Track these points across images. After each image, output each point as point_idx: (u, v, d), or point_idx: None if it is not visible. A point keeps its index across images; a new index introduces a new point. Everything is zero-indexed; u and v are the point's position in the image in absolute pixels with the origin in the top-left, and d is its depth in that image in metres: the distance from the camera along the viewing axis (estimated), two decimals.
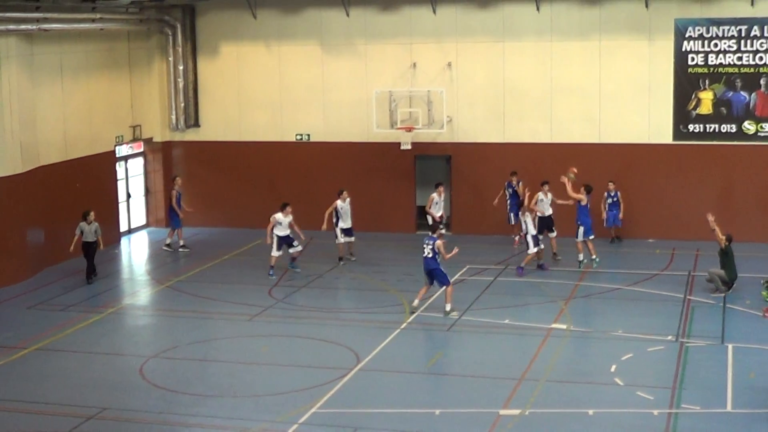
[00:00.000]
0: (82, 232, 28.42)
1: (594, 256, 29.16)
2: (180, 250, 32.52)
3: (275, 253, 29.07)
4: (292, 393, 20.20)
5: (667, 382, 20.32)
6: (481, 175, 33.59)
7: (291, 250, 29.32)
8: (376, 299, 26.88)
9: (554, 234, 30.14)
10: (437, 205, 30.83)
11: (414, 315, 24.98)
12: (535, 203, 29.60)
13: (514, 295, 26.69)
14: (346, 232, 30.60)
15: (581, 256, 29.17)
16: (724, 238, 26.21)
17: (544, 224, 30.01)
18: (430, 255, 24.89)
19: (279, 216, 29.07)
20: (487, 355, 22.55)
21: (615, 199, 31.51)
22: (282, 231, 29.06)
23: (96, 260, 29.00)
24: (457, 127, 33.81)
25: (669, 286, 27.25)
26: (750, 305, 25.48)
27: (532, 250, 28.35)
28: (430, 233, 25.93)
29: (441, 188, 31.16)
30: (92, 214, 28.70)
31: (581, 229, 29.14)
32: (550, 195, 30.01)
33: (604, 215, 31.47)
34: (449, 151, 34.19)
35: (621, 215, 31.65)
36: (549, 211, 30.11)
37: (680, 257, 30.32)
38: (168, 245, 32.72)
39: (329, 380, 20.78)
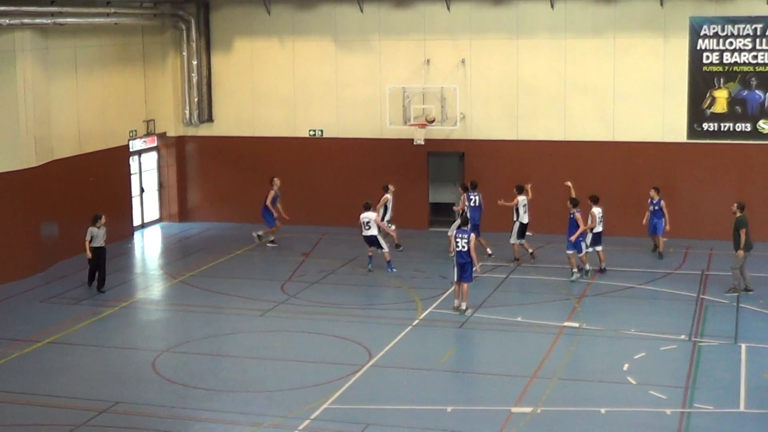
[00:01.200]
0: (92, 237, 27.28)
1: (574, 270, 27.77)
2: (268, 244, 32.27)
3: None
4: (304, 389, 20.21)
5: (680, 382, 20.28)
6: (494, 172, 33.54)
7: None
8: (389, 296, 26.89)
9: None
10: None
11: (466, 313, 24.90)
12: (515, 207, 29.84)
13: (527, 293, 26.66)
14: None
15: (575, 271, 27.84)
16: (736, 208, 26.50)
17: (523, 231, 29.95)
18: (465, 248, 24.69)
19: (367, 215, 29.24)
20: (499, 353, 22.55)
21: (657, 207, 29.93)
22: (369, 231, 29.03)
23: (119, 260, 29.07)
24: (470, 123, 33.79)
25: (682, 285, 27.21)
26: (763, 305, 25.44)
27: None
28: (462, 227, 25.60)
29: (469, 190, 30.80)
30: (103, 217, 27.69)
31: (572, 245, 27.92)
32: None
33: (645, 222, 30.27)
34: (462, 147, 34.17)
35: (666, 226, 30.00)
36: (526, 219, 29.86)
37: (694, 256, 30.26)
38: (259, 236, 32.51)
39: (341, 376, 20.79)
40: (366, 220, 28.87)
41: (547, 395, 19.75)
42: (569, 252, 27.91)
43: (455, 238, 25.12)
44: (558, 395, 19.81)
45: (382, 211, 30.56)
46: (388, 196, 30.90)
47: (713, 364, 21.34)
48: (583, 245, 28.03)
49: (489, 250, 30.03)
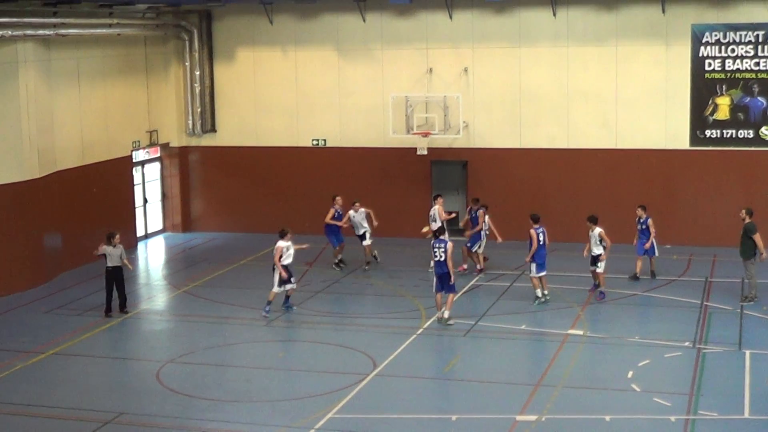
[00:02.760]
0: (106, 256, 26.13)
1: (545, 292, 26.49)
2: (334, 266, 30.67)
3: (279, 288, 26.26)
4: (308, 398, 20.20)
5: (684, 389, 20.26)
6: (497, 181, 33.56)
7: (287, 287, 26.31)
8: (393, 304, 26.87)
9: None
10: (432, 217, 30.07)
11: (449, 323, 24.84)
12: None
13: (531, 301, 26.63)
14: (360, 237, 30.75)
15: (538, 292, 26.43)
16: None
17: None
18: (442, 258, 24.56)
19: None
20: (503, 361, 22.54)
21: (644, 226, 28.43)
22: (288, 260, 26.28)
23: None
24: (473, 132, 33.80)
25: (686, 292, 27.20)
26: (767, 311, 25.43)
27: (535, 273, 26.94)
28: (439, 236, 25.09)
29: (441, 199, 30.42)
30: (118, 236, 26.39)
31: (533, 266, 26.35)
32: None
33: (635, 242, 28.67)
34: (465, 156, 34.18)
35: (647, 245, 28.32)
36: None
37: (697, 263, 30.24)
38: (338, 263, 30.75)
39: (346, 385, 20.78)
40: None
41: (551, 403, 19.74)
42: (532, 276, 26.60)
43: (432, 247, 24.92)
44: (563, 403, 19.80)
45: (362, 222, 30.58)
46: (351, 212, 30.59)
47: (717, 371, 21.32)
48: (532, 268, 26.44)
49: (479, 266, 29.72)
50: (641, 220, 28.45)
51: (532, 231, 26.27)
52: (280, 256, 25.54)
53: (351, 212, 30.59)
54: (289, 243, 25.79)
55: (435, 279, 24.94)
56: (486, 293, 27.15)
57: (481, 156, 33.94)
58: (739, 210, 26.88)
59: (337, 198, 31.01)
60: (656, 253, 28.65)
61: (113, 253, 26.03)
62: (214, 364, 22.57)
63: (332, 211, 30.79)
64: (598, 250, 26.56)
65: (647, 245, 28.28)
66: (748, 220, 26.23)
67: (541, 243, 26.26)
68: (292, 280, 25.91)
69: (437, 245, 24.72)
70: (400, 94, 33.40)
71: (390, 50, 34.33)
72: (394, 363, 22.22)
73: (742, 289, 26.83)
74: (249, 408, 19.86)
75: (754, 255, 26.11)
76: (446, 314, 24.71)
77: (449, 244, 24.64)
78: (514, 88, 33.45)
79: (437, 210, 29.76)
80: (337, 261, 30.74)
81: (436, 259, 24.72)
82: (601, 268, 26.54)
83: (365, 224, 30.75)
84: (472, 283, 27.95)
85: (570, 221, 33.01)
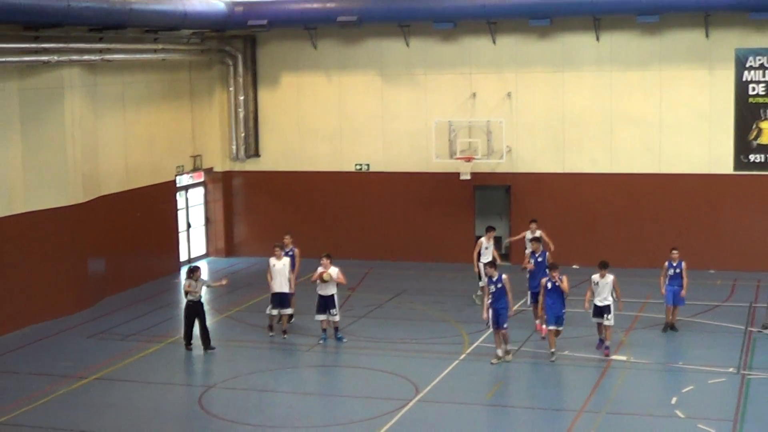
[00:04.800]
0: (187, 293, 25.42)
1: (552, 350, 24.13)
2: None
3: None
4: (350, 424, 20.18)
5: (728, 415, 20.07)
6: (540, 205, 33.45)
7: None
8: (435, 330, 26.82)
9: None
10: (487, 251, 28.41)
11: (473, 346, 24.83)
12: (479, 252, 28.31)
13: (575, 326, 26.48)
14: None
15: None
16: None
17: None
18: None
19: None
20: (546, 386, 22.44)
21: (678, 270, 25.84)
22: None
23: (165, 296, 28.67)
24: (516, 157, 33.76)
25: (730, 318, 26.98)
26: None
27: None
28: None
29: (492, 233, 28.79)
30: (200, 269, 25.89)
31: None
32: (492, 242, 28.52)
33: (663, 290, 25.90)
34: (509, 181, 34.13)
35: (684, 292, 25.83)
36: (489, 258, 27.93)
37: (741, 288, 29.99)
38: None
39: (388, 411, 20.74)
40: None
41: (595, 429, 19.61)
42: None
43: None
44: (606, 429, 19.67)
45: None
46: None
47: (762, 397, 21.11)
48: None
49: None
50: (674, 264, 25.83)
51: (543, 279, 24.37)
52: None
53: (272, 259, 26.79)
54: (279, 261, 26.14)
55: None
56: (528, 318, 27.01)
57: (524, 180, 33.88)
58: None
59: (286, 237, 28.13)
60: (684, 303, 26.23)
61: (195, 287, 25.34)
62: (257, 389, 22.59)
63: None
64: (608, 300, 24.09)
65: (683, 293, 25.75)
66: None
67: (549, 289, 24.06)
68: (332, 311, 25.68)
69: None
70: (444, 119, 33.43)
71: (433, 75, 34.38)
72: (437, 389, 22.16)
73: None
74: None
75: None
76: (500, 352, 24.05)
77: (504, 276, 24.01)
78: (558, 113, 33.40)
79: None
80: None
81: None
82: (611, 320, 24.10)
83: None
84: (516, 307, 27.81)
85: (614, 245, 32.87)
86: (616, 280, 24.11)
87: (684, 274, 25.70)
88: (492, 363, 23.50)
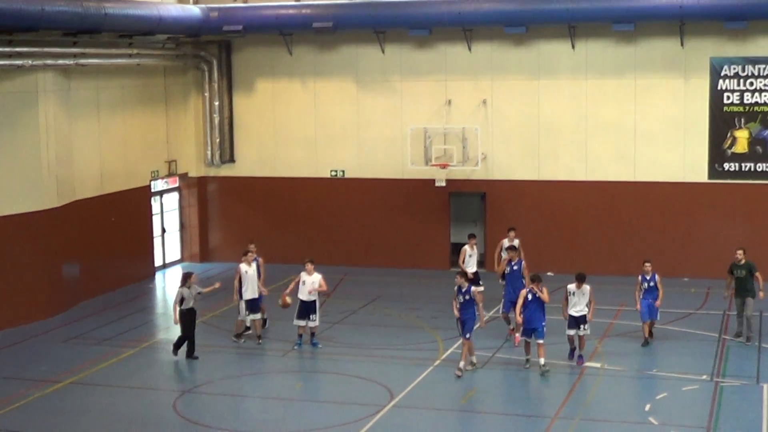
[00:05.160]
0: (182, 299, 24.89)
1: (527, 357, 24.00)
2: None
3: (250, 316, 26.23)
4: (325, 429, 20.16)
5: (701, 422, 20.15)
6: (515, 213, 33.52)
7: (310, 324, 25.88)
8: (410, 336, 26.82)
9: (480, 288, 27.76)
10: (471, 259, 28.07)
11: (447, 353, 24.84)
12: (463, 260, 27.78)
13: (549, 335, 26.48)
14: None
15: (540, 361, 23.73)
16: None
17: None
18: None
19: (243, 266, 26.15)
20: (520, 393, 22.48)
21: (652, 283, 25.32)
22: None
23: (140, 301, 28.55)
24: (491, 164, 33.82)
25: (704, 325, 27.09)
26: None
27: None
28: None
29: (473, 240, 28.36)
30: (194, 275, 25.46)
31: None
32: (476, 249, 28.25)
33: (638, 306, 25.38)
34: (484, 188, 34.18)
35: (659, 302, 25.35)
36: (474, 268, 27.94)
37: (715, 296, 30.09)
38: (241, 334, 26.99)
39: (362, 417, 20.74)
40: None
41: None
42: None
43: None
44: None
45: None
46: (505, 241, 27.85)
47: (735, 405, 21.22)
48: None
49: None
50: (648, 278, 25.32)
51: (523, 291, 23.93)
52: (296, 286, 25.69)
53: (505, 241, 28.03)
54: (249, 267, 26.00)
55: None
56: (503, 325, 27.03)
57: (499, 187, 33.95)
58: (758, 265, 26.08)
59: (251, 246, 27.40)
60: (658, 317, 25.76)
61: (189, 295, 24.85)
62: (231, 394, 22.55)
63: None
64: (584, 310, 23.96)
65: (658, 303, 25.28)
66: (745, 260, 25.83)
67: (530, 300, 23.56)
68: (311, 316, 25.66)
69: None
70: (419, 126, 33.47)
71: (409, 82, 34.42)
72: (411, 394, 22.17)
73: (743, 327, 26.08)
74: None
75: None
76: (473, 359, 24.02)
77: (473, 288, 23.95)
78: (533, 120, 33.49)
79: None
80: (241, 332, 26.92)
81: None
82: (588, 330, 24.03)
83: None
84: (490, 314, 27.81)
85: (588, 253, 33.01)
86: (593, 291, 24.00)
87: (659, 285, 25.26)
88: (457, 375, 23.21)
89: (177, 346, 25.16)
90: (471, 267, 27.74)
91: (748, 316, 25.65)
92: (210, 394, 22.60)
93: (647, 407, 21.12)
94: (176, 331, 27.97)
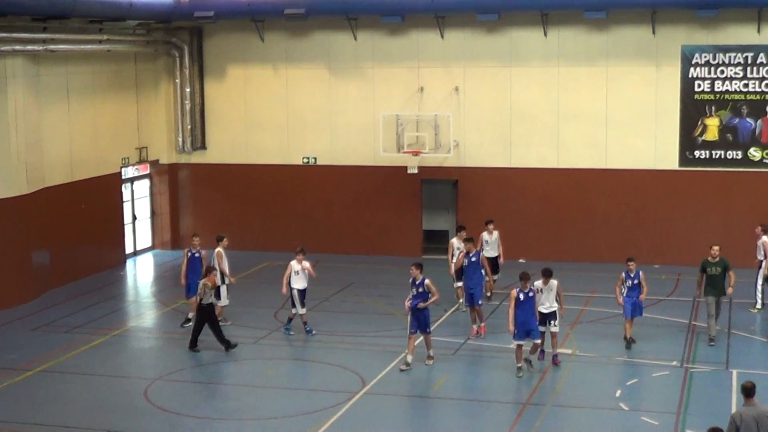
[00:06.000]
0: (205, 293, 24.20)
1: (519, 365, 22.61)
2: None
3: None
4: (297, 416, 20.14)
5: (671, 408, 20.25)
6: (487, 200, 33.57)
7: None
8: (382, 323, 26.83)
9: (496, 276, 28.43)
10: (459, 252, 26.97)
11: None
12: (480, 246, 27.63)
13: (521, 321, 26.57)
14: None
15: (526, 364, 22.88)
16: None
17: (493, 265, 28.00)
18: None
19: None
20: (492, 380, 22.50)
21: (636, 281, 24.22)
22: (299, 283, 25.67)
23: (111, 288, 28.36)
24: (463, 151, 33.83)
25: (674, 312, 27.22)
26: (754, 331, 25.47)
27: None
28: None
29: (463, 233, 27.59)
30: (216, 271, 24.88)
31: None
32: (496, 233, 28.42)
33: (621, 301, 24.34)
34: (456, 175, 34.20)
35: (643, 296, 24.35)
36: (495, 252, 28.22)
37: (685, 283, 30.23)
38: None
39: (334, 404, 20.73)
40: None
41: (540, 422, 19.74)
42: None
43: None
44: (551, 422, 19.81)
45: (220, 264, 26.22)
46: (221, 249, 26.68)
47: (705, 390, 21.36)
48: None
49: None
50: (632, 275, 24.19)
51: (513, 291, 22.75)
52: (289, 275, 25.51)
53: (484, 234, 28.22)
54: (301, 265, 25.49)
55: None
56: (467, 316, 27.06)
57: (471, 175, 33.97)
58: (726, 253, 25.38)
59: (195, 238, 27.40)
60: (642, 314, 24.69)
61: (209, 290, 24.20)
62: (203, 382, 22.53)
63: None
64: (554, 306, 22.97)
65: (643, 296, 24.30)
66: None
67: (522, 300, 22.44)
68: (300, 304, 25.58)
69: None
70: (391, 113, 33.43)
71: (381, 69, 34.36)
72: (383, 381, 22.17)
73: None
74: (237, 426, 19.79)
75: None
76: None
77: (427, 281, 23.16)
78: (505, 108, 33.51)
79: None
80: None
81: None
82: (557, 327, 23.04)
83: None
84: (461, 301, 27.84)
85: (559, 240, 33.12)
86: (560, 286, 23.26)
87: (643, 282, 24.19)
88: (402, 369, 22.66)
89: (195, 337, 24.47)
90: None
91: (712, 314, 24.47)
92: (181, 381, 22.55)
93: (618, 393, 21.20)
94: (149, 317, 27.96)
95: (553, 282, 22.96)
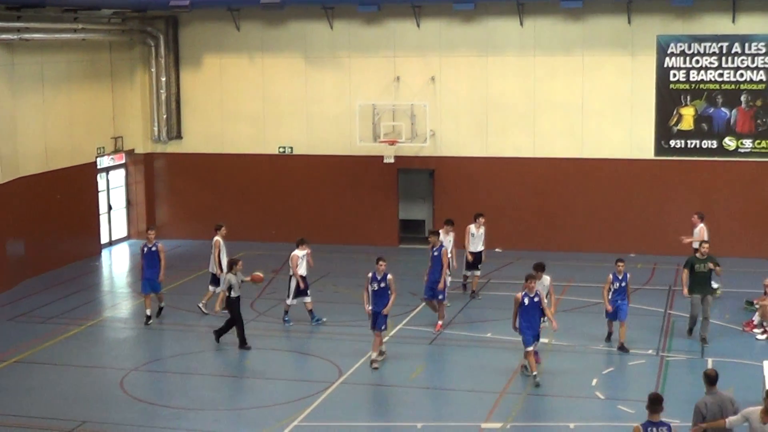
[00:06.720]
0: (231, 287, 23.88)
1: (534, 373, 21.35)
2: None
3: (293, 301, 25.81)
4: (274, 406, 20.13)
5: (647, 396, 20.30)
6: (464, 189, 33.61)
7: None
8: (359, 312, 26.74)
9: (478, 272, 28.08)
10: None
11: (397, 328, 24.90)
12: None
13: (497, 309, 26.61)
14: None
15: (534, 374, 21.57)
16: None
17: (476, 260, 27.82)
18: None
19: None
20: (469, 369, 22.53)
21: (623, 283, 23.36)
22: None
23: (86, 278, 28.28)
24: (440, 140, 33.83)
25: (650, 301, 27.32)
26: (729, 320, 25.59)
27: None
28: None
29: (448, 227, 27.06)
30: (240, 263, 24.16)
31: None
32: (482, 229, 27.93)
33: (609, 307, 23.41)
34: (432, 164, 34.21)
35: (629, 302, 23.52)
36: (481, 247, 27.80)
37: (661, 272, 30.37)
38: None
39: (311, 393, 20.73)
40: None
41: (516, 411, 19.78)
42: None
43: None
44: (527, 411, 19.89)
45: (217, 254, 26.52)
46: (219, 238, 26.90)
47: (680, 379, 21.46)
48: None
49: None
50: (620, 277, 23.35)
51: (518, 294, 21.37)
52: (297, 266, 25.46)
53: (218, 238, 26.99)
54: (305, 252, 25.56)
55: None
56: (453, 301, 27.10)
57: (447, 164, 33.98)
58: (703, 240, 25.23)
59: (150, 232, 26.79)
60: (626, 317, 23.49)
61: (236, 283, 23.86)
62: (179, 372, 22.45)
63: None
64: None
65: (629, 302, 23.55)
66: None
67: (527, 306, 21.24)
68: (308, 292, 25.63)
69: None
70: (368, 103, 33.39)
71: (357, 58, 34.32)
72: (360, 371, 22.18)
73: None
74: (214, 416, 19.76)
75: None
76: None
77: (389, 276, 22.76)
78: (481, 97, 33.52)
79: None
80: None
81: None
82: (547, 323, 22.01)
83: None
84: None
85: (536, 229, 33.19)
86: (552, 283, 22.87)
87: (629, 286, 23.52)
88: (374, 368, 22.31)
89: (220, 333, 24.14)
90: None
91: (707, 316, 23.77)
92: (158, 371, 22.50)
93: (594, 382, 21.29)
94: (125, 307, 27.86)
95: (546, 278, 22.40)
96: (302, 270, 25.58)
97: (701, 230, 27.42)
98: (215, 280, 26.34)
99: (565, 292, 28.24)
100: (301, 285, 25.47)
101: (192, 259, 32.86)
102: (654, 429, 14.79)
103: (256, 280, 24.88)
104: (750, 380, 20.59)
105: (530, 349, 21.24)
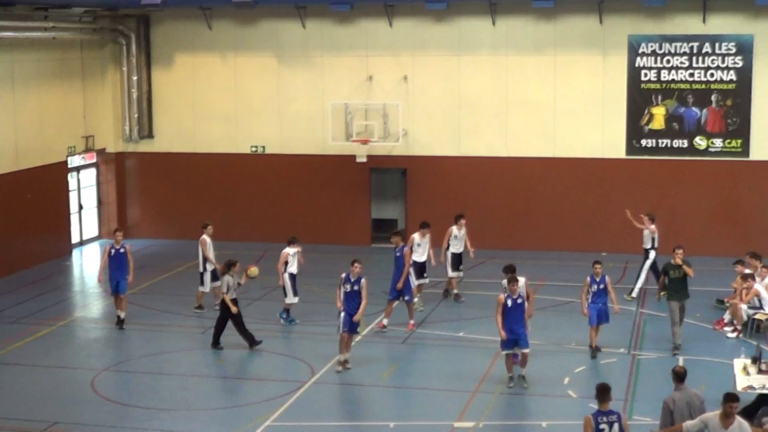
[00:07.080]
0: (228, 288, 23.61)
1: (510, 375, 21.31)
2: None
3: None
4: (246, 406, 20.11)
5: (619, 394, 20.35)
6: (436, 189, 33.63)
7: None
8: (331, 312, 26.71)
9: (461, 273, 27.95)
10: (420, 248, 26.56)
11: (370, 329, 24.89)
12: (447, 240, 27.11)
13: (470, 308, 26.68)
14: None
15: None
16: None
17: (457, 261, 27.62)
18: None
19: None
20: (441, 368, 22.56)
21: (602, 286, 22.94)
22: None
23: (56, 278, 28.26)
24: (412, 140, 33.84)
25: (621, 300, 27.34)
26: (700, 318, 25.70)
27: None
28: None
29: (425, 230, 26.78)
30: (238, 264, 23.90)
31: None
32: (464, 230, 27.60)
33: (585, 310, 22.97)
34: (405, 164, 34.21)
35: (616, 308, 23.18)
36: (461, 248, 27.52)
37: (633, 271, 30.41)
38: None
39: (284, 393, 20.71)
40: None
41: (489, 409, 19.82)
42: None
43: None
44: (500, 409, 19.92)
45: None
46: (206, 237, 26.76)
47: (652, 377, 21.53)
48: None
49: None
50: (598, 280, 22.95)
51: (501, 296, 21.24)
52: (285, 263, 25.45)
53: (453, 228, 27.30)
54: (296, 250, 25.58)
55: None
56: (426, 300, 27.11)
57: (420, 163, 34.00)
58: (674, 241, 25.11)
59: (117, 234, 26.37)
60: (609, 320, 23.29)
61: (232, 284, 23.66)
62: (150, 372, 22.37)
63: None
64: None
65: (616, 309, 23.16)
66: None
67: (509, 307, 20.96)
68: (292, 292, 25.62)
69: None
70: (340, 102, 33.37)
71: (330, 57, 34.28)
72: (332, 370, 22.15)
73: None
74: (186, 416, 19.71)
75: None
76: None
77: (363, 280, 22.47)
78: (454, 97, 33.55)
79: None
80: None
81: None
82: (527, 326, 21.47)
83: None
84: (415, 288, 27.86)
85: (508, 228, 33.24)
86: (528, 284, 22.59)
87: (609, 288, 22.92)
88: (338, 371, 22.04)
89: (216, 337, 23.93)
90: (421, 256, 26.56)
91: (677, 321, 23.33)
92: (129, 372, 22.42)
93: (566, 380, 21.36)
94: (95, 307, 27.74)
95: (522, 279, 21.72)
96: (293, 268, 25.52)
97: (652, 232, 27.41)
98: (204, 280, 26.31)
99: (537, 291, 28.27)
100: (280, 283, 25.55)
101: (163, 259, 32.75)
102: (604, 418, 14.94)
103: (251, 275, 24.71)
104: (721, 378, 20.64)
105: (509, 353, 21.11)
